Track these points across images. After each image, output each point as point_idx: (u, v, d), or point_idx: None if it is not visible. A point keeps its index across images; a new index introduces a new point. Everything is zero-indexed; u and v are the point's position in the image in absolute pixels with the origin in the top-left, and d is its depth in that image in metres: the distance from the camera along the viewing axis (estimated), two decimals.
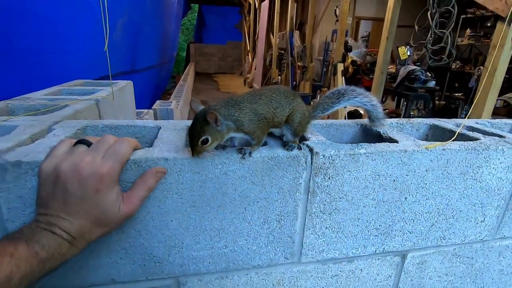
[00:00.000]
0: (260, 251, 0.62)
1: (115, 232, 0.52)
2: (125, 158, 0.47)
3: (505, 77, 2.65)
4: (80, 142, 0.47)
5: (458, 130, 0.74)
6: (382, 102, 5.36)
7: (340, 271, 0.69)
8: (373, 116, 0.70)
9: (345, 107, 0.74)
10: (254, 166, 0.54)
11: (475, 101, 2.69)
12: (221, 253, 0.60)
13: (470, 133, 0.75)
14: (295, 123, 0.59)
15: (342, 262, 0.68)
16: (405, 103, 4.73)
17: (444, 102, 6.23)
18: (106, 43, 0.79)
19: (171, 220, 0.55)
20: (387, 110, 5.52)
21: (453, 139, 0.69)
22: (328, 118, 0.87)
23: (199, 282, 0.62)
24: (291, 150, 0.57)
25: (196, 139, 0.49)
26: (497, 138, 0.72)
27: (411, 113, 4.37)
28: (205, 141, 0.49)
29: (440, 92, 6.30)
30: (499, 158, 0.66)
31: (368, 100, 0.67)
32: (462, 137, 0.75)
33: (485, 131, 0.79)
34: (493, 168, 0.67)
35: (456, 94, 5.96)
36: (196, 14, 17.07)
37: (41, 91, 1.09)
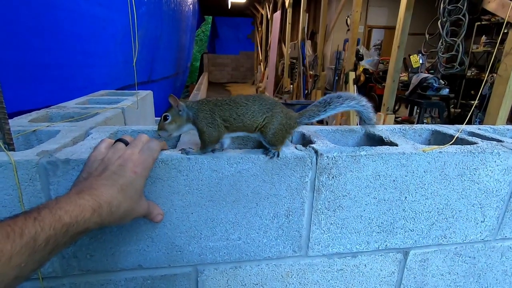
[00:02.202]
0: (270, 243, 0.68)
1: (143, 222, 0.60)
2: (156, 154, 0.55)
3: None
4: (118, 140, 0.56)
5: (456, 135, 0.79)
6: (395, 110, 5.34)
7: (345, 265, 0.74)
8: (364, 116, 0.70)
9: (356, 114, 0.74)
10: (264, 166, 0.61)
11: (488, 109, 2.68)
12: (235, 244, 0.67)
13: (469, 138, 0.80)
14: (268, 135, 0.61)
15: (347, 257, 0.74)
16: (418, 111, 4.71)
17: (459, 110, 6.13)
18: (135, 60, 0.89)
19: (192, 213, 0.62)
20: (400, 118, 5.49)
21: (451, 143, 0.74)
22: (340, 124, 0.93)
23: (215, 271, 0.68)
24: (271, 157, 0.61)
25: (161, 116, 0.61)
26: (494, 142, 0.76)
27: (424, 121, 4.34)
28: (166, 118, 0.60)
29: (456, 99, 6.22)
30: (495, 161, 0.71)
31: (356, 102, 0.67)
32: (462, 142, 0.79)
33: (484, 136, 0.83)
34: (490, 170, 0.71)
35: (472, 102, 5.85)
36: (210, 25, 17.57)
37: (73, 101, 1.21)
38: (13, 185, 0.54)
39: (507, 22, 2.49)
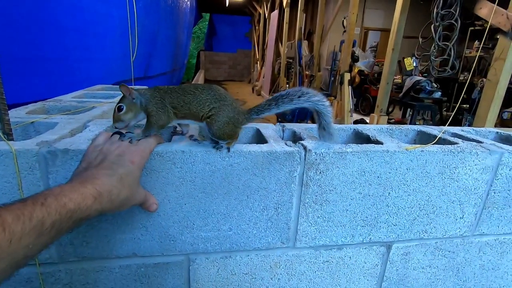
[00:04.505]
0: (259, 235, 0.71)
1: (138, 211, 0.63)
2: (153, 146, 0.58)
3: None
4: (116, 133, 0.58)
5: (439, 135, 0.83)
6: (389, 111, 5.42)
7: (331, 257, 0.78)
8: (324, 121, 0.66)
9: (307, 109, 0.64)
10: (255, 160, 0.65)
11: (477, 112, 2.75)
12: (226, 235, 0.70)
13: (451, 138, 0.84)
14: (213, 128, 0.60)
15: (333, 249, 0.77)
16: (411, 113, 4.79)
17: (452, 113, 6.24)
18: (134, 56, 0.91)
19: (185, 204, 0.65)
20: (393, 120, 5.57)
21: (433, 142, 0.78)
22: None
23: (206, 260, 0.71)
24: (218, 149, 0.62)
25: (115, 107, 0.59)
26: (474, 143, 0.80)
27: (416, 123, 4.41)
28: (120, 108, 0.59)
29: (448, 103, 6.33)
30: (473, 160, 0.75)
31: (319, 99, 0.62)
32: (444, 142, 0.84)
33: (466, 137, 0.88)
34: (469, 169, 0.75)
35: (464, 106, 5.97)
36: (207, 23, 17.49)
37: (70, 94, 1.22)
38: (13, 173, 0.56)
39: (497, 28, 2.56)
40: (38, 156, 0.56)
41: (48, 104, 1.01)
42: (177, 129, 0.77)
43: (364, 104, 6.79)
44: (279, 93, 0.64)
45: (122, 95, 0.60)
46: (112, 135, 0.59)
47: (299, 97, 0.62)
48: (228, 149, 0.63)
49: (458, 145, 0.77)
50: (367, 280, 0.83)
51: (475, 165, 0.75)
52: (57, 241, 0.61)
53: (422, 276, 0.86)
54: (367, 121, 4.87)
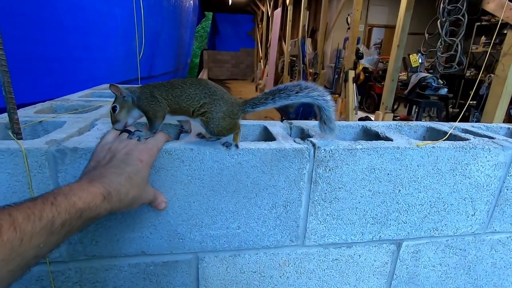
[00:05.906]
0: (268, 233, 0.71)
1: (147, 209, 0.63)
2: (161, 144, 0.58)
3: None
4: (124, 131, 0.58)
5: (450, 131, 0.81)
6: (394, 109, 5.38)
7: (340, 255, 0.77)
8: (325, 115, 0.64)
9: (322, 108, 0.62)
10: (264, 157, 0.64)
11: (485, 109, 2.72)
12: (234, 233, 0.69)
13: (462, 134, 0.83)
14: (210, 126, 0.59)
15: (342, 247, 0.76)
16: (416, 110, 4.74)
17: (457, 110, 6.17)
18: (140, 55, 0.91)
19: (193, 202, 0.65)
20: (398, 117, 5.52)
21: (444, 138, 0.76)
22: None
23: (215, 258, 0.71)
24: (229, 148, 0.62)
25: (110, 110, 0.59)
26: (486, 139, 0.79)
27: (422, 120, 4.37)
28: (114, 109, 0.59)
29: (454, 99, 6.25)
30: (486, 156, 0.73)
31: (319, 94, 0.60)
32: (455, 138, 0.82)
33: (477, 133, 0.86)
34: (481, 165, 0.74)
35: (471, 102, 5.89)
36: (210, 21, 17.51)
37: (76, 94, 1.23)
38: (23, 172, 0.56)
39: (506, 23, 2.52)
40: (47, 155, 0.56)
41: (55, 103, 1.01)
42: (183, 127, 0.77)
43: (369, 101, 6.74)
44: (277, 87, 0.62)
45: (115, 96, 0.60)
46: (120, 133, 0.59)
47: (297, 92, 0.60)
48: (237, 145, 0.62)
49: (469, 141, 0.76)
50: (377, 278, 0.82)
51: (488, 161, 0.74)
52: (66, 240, 0.62)
53: (433, 274, 0.85)
54: (372, 118, 4.84)
